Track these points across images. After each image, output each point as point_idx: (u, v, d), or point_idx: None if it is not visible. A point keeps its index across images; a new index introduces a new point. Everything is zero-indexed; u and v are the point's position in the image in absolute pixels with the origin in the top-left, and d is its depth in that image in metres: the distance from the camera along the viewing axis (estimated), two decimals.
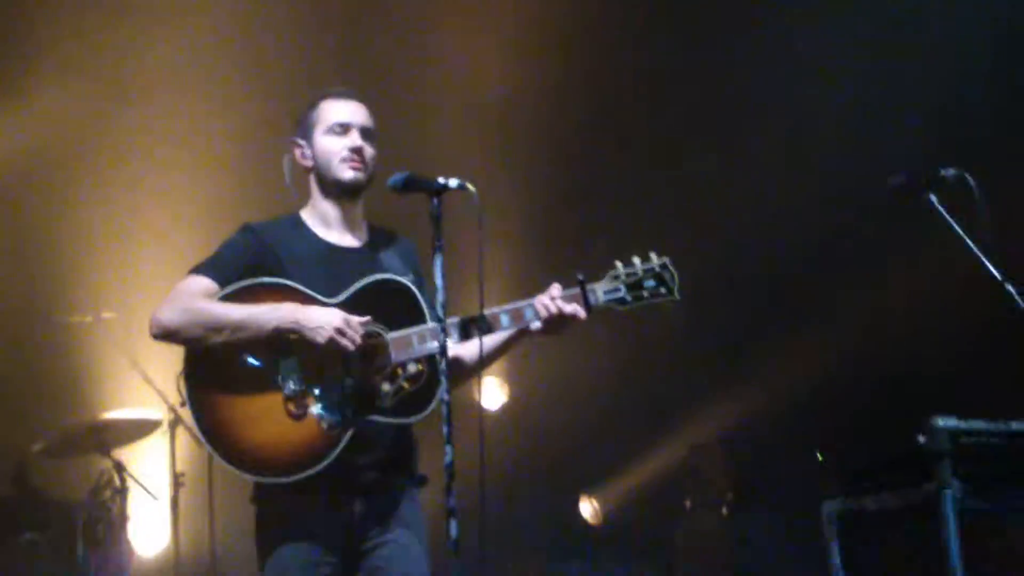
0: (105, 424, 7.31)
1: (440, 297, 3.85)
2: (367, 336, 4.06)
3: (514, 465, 8.57)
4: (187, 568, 7.48)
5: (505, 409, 9.40)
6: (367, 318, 4.06)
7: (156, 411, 7.43)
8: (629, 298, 4.20)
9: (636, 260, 4.22)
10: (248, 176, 8.52)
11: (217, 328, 4.05)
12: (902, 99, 8.04)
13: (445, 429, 3.76)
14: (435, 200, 3.93)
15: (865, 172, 7.66)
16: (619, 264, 4.22)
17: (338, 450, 4.02)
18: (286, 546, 4.10)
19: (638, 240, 8.69)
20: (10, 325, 8.27)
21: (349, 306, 4.11)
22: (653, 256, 4.24)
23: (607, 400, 9.16)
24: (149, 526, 7.88)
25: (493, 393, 9.46)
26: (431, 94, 8.87)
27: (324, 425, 4.04)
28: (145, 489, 7.42)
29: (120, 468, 7.25)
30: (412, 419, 4.11)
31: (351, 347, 4.01)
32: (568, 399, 9.12)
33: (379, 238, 4.42)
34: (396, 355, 4.07)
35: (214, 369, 4.10)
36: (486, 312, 4.13)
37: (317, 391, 4.07)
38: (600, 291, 4.20)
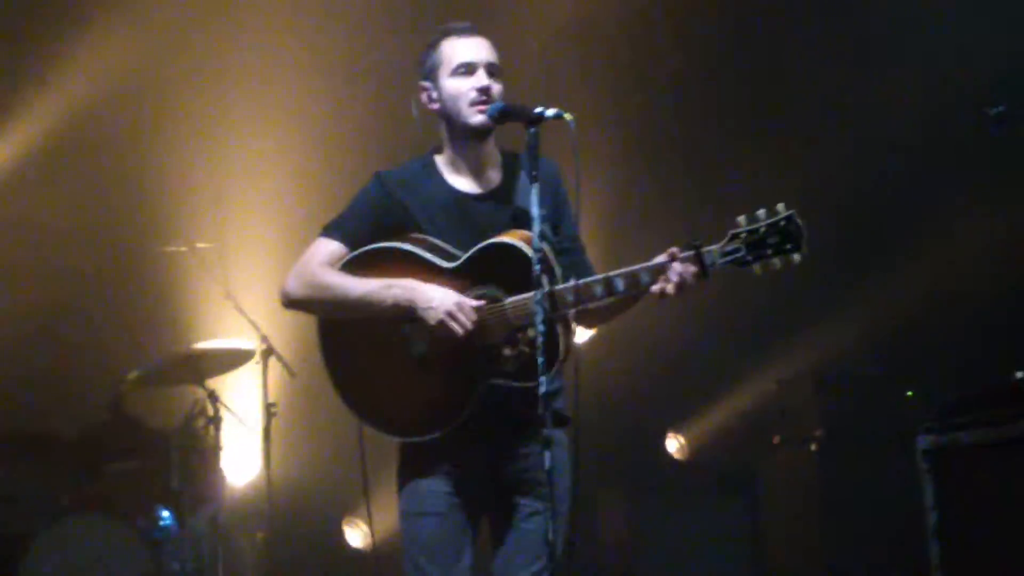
0: (199, 354, 7.39)
1: (536, 227, 3.83)
2: (483, 312, 4.02)
3: (603, 399, 8.56)
4: (279, 497, 7.57)
5: (594, 342, 9.37)
6: (482, 303, 4.03)
7: (249, 341, 7.51)
8: (751, 257, 3.87)
9: (761, 212, 3.89)
10: (343, 108, 8.59)
11: (339, 305, 4.14)
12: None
13: (540, 360, 3.76)
14: (532, 129, 3.90)
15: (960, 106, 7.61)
16: (741, 219, 3.90)
17: (468, 410, 4.06)
18: (422, 483, 4.17)
19: (732, 174, 8.79)
20: (106, 255, 8.39)
21: (468, 270, 4.10)
22: (780, 208, 3.88)
23: (695, 333, 9.11)
24: (241, 456, 7.96)
25: (581, 329, 9.45)
26: (526, 24, 8.83)
27: (452, 389, 4.07)
28: (238, 418, 7.51)
29: (213, 397, 7.34)
30: (533, 384, 3.91)
31: (460, 332, 3.99)
32: (655, 333, 9.08)
33: (515, 173, 4.28)
34: (515, 320, 4.01)
35: (345, 334, 4.20)
36: (601, 276, 4.00)
37: (443, 357, 4.08)
38: (718, 252, 3.90)
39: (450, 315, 4.00)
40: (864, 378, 8.28)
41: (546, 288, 3.89)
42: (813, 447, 8.10)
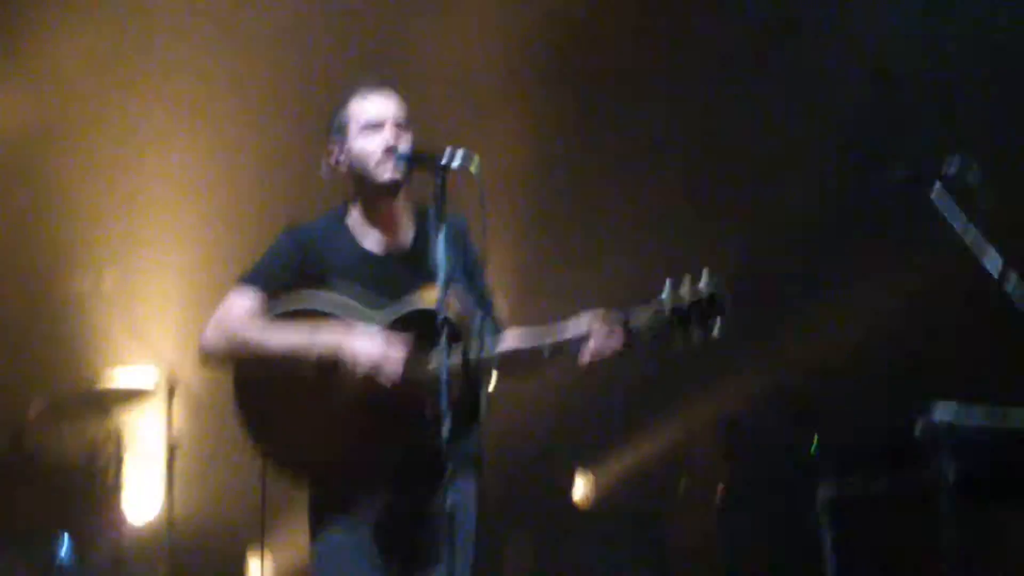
0: (102, 389, 7.32)
1: (441, 274, 3.84)
2: (410, 363, 4.03)
3: (510, 442, 8.56)
4: (180, 536, 7.48)
5: (502, 385, 9.39)
6: (406, 347, 4.03)
7: (153, 376, 7.43)
8: (675, 327, 3.93)
9: (685, 284, 3.94)
10: (251, 150, 8.55)
11: (260, 357, 4.11)
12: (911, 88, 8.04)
13: (443, 402, 3.75)
14: (439, 178, 3.91)
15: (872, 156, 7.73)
16: (665, 292, 3.95)
17: (388, 463, 4.08)
18: (335, 531, 4.15)
19: (644, 219, 8.84)
20: (10, 287, 8.27)
21: (389, 327, 4.10)
22: (704, 276, 3.94)
23: (604, 377, 9.12)
24: (143, 493, 7.86)
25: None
26: (438, 65, 8.84)
27: (377, 434, 4.07)
28: (139, 454, 7.43)
29: (116, 434, 7.26)
30: (456, 429, 3.92)
31: (387, 383, 4.00)
32: (564, 374, 9.10)
33: (426, 229, 4.27)
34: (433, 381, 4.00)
35: (263, 387, 4.16)
36: (528, 346, 4.06)
37: (364, 402, 4.06)
38: (644, 327, 3.95)
39: (377, 365, 4.00)
40: (770, 426, 8.35)
41: (472, 352, 3.94)
42: (718, 494, 8.16)
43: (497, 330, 4.33)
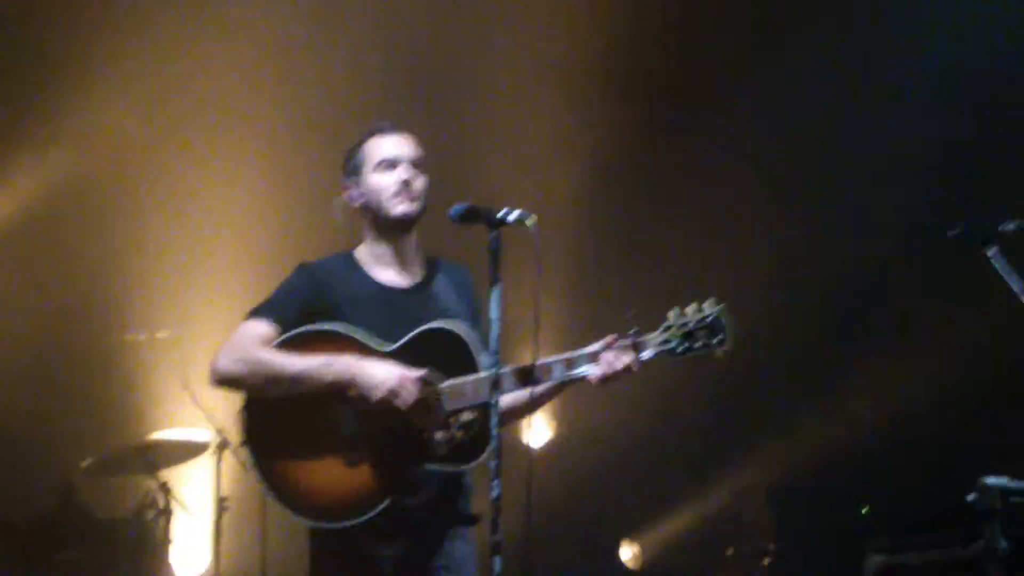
0: (153, 444, 7.37)
1: (495, 331, 3.87)
2: (423, 390, 4.07)
3: (558, 504, 8.54)
4: None
5: (550, 447, 9.38)
6: (423, 373, 4.08)
7: (204, 433, 7.48)
8: (680, 349, 4.10)
9: (690, 308, 4.11)
10: (303, 200, 8.59)
11: (275, 381, 4.13)
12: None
13: (493, 464, 3.79)
14: (494, 233, 3.95)
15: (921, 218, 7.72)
16: (671, 314, 4.13)
17: (391, 496, 4.08)
18: None
19: (688, 279, 8.85)
20: (65, 342, 8.38)
21: (403, 354, 4.14)
22: (708, 303, 4.12)
23: (653, 441, 9.15)
24: (192, 549, 7.91)
25: (539, 431, 9.47)
26: (487, 122, 8.93)
27: (378, 473, 4.09)
28: (188, 511, 7.45)
29: (165, 489, 7.30)
30: (465, 467, 4.14)
31: (404, 407, 4.04)
32: (614, 439, 9.11)
33: (434, 271, 4.44)
34: (450, 404, 4.08)
35: (273, 412, 4.18)
36: (540, 362, 4.12)
37: (373, 439, 4.10)
38: (651, 343, 4.11)
39: (392, 391, 4.03)
40: (819, 493, 8.30)
41: (497, 369, 3.92)
42: (765, 561, 8.10)
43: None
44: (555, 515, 8.42)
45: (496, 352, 3.89)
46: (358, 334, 4.18)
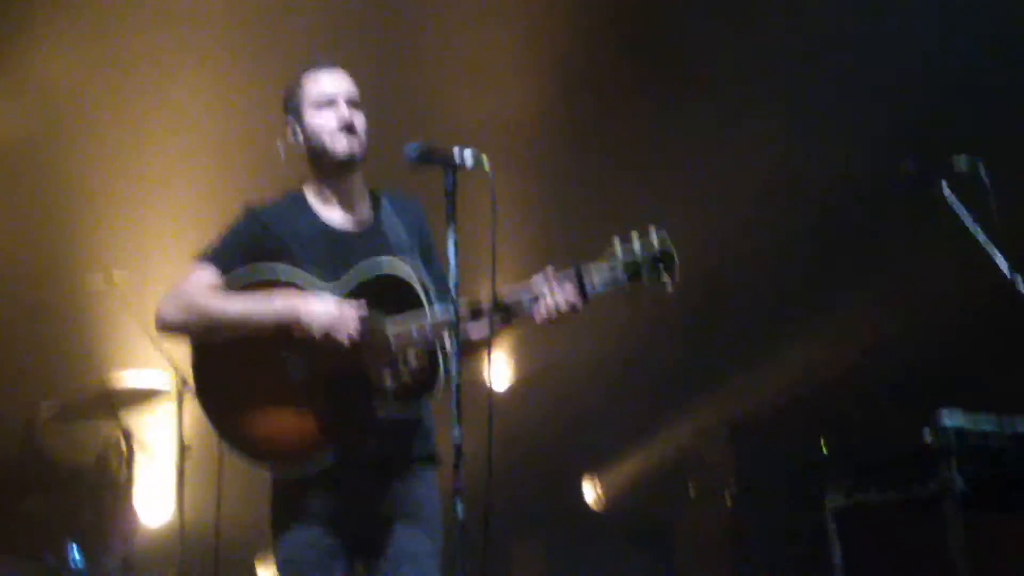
0: (114, 389, 7.35)
1: (453, 275, 3.86)
2: (366, 326, 4.08)
3: (519, 445, 8.59)
4: (192, 538, 7.51)
5: (511, 388, 9.42)
6: (362, 312, 4.08)
7: (165, 376, 7.46)
8: (626, 283, 4.02)
9: (634, 237, 4.03)
10: (256, 134, 8.53)
11: (218, 325, 4.14)
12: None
13: (454, 409, 3.79)
14: (450, 175, 3.92)
15: (878, 152, 7.72)
16: (616, 243, 4.05)
17: (344, 441, 4.09)
18: (298, 530, 4.17)
19: (649, 216, 8.84)
20: (21, 286, 8.33)
21: (350, 297, 4.14)
22: (652, 233, 4.05)
23: (614, 380, 9.19)
24: (155, 495, 7.92)
25: (500, 372, 9.50)
26: (444, 65, 8.87)
27: (329, 418, 4.10)
28: (151, 455, 7.45)
29: (127, 434, 7.27)
30: (413, 410, 4.15)
31: (346, 341, 4.05)
32: (575, 379, 9.14)
33: (382, 208, 4.41)
34: (396, 345, 4.09)
35: (222, 360, 4.19)
36: (482, 304, 4.08)
37: (322, 383, 4.11)
38: (596, 277, 4.04)
39: (334, 325, 4.04)
40: (779, 432, 8.37)
41: (454, 308, 3.91)
42: (727, 499, 8.18)
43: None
44: (517, 456, 8.47)
45: (455, 298, 3.87)
46: (301, 278, 4.19)
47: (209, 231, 8.11)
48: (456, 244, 3.88)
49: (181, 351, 7.33)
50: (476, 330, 4.23)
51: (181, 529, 7.25)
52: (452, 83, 8.74)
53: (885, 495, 5.53)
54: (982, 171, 4.80)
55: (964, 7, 7.93)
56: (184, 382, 7.34)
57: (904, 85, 8.01)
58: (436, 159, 3.97)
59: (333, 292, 4.16)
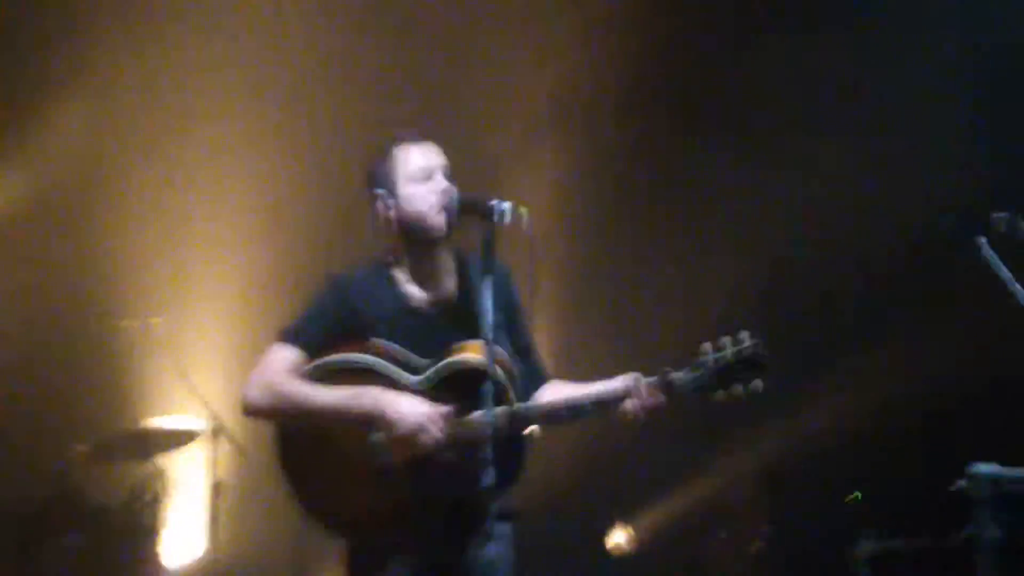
0: (147, 431, 7.44)
1: (488, 320, 3.91)
2: (454, 416, 4.10)
3: (547, 488, 8.58)
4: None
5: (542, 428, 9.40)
6: (451, 409, 4.10)
7: (199, 419, 7.53)
8: (715, 385, 4.02)
9: (726, 341, 4.04)
10: (298, 183, 8.62)
11: (303, 414, 4.17)
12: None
13: (488, 451, 3.85)
14: (488, 228, 3.97)
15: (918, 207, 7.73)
16: (706, 347, 4.04)
17: (425, 517, 4.14)
18: None
19: (689, 267, 8.84)
20: (60, 328, 8.42)
21: (432, 387, 4.17)
22: (745, 337, 4.05)
23: (645, 423, 9.15)
24: (187, 536, 7.96)
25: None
26: (482, 110, 8.96)
27: (415, 496, 4.13)
28: (185, 497, 7.51)
29: (160, 475, 7.39)
30: (502, 492, 4.08)
31: (431, 444, 4.06)
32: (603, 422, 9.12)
33: (468, 277, 4.37)
34: (480, 434, 4.03)
35: (305, 436, 4.24)
36: (563, 401, 4.15)
37: (403, 463, 4.13)
38: (684, 381, 4.05)
39: (421, 426, 4.06)
40: (812, 479, 8.35)
41: (506, 406, 4.02)
42: (757, 546, 8.16)
43: (540, 380, 4.44)
44: (543, 503, 8.48)
45: (491, 350, 3.91)
46: (388, 362, 4.21)
47: (248, 280, 8.30)
48: (493, 300, 3.93)
49: (216, 394, 7.50)
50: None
51: (214, 570, 7.30)
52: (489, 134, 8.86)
53: (917, 542, 5.53)
54: (1022, 230, 4.80)
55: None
56: (218, 425, 7.40)
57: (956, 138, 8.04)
58: (475, 208, 4.05)
59: (419, 385, 4.18)
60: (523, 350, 4.42)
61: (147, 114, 8.57)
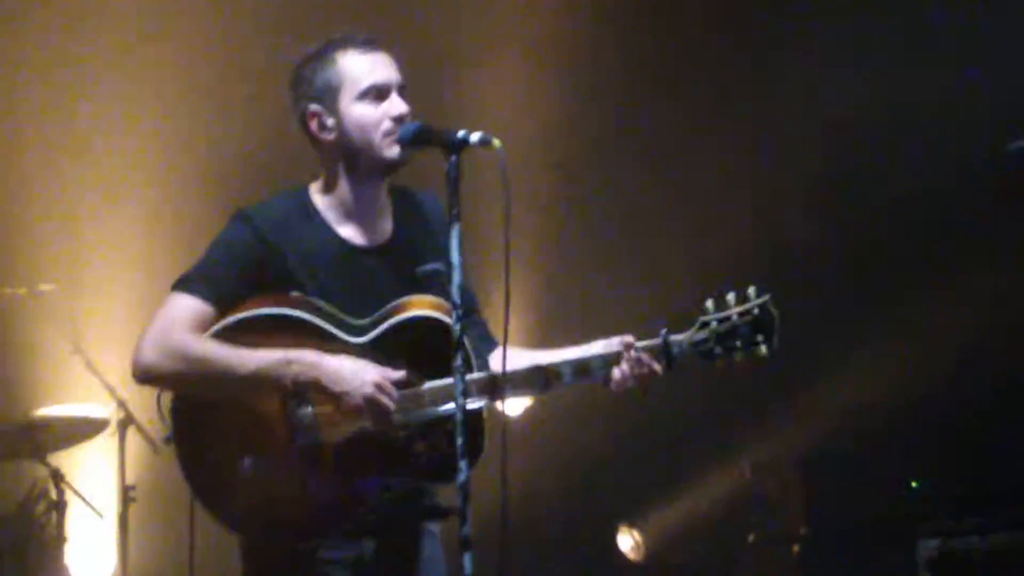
0: (40, 422, 7.38)
1: (456, 277, 3.82)
2: (405, 394, 4.03)
3: (541, 485, 8.59)
4: None
5: (531, 414, 9.38)
6: (402, 374, 4.03)
7: (103, 408, 7.48)
8: (719, 350, 4.05)
9: (731, 297, 4.07)
10: (202, 132, 8.62)
11: (219, 381, 4.05)
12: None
13: (459, 441, 3.74)
14: (453, 158, 3.87)
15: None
16: (709, 304, 4.07)
17: (360, 511, 4.08)
18: None
19: (692, 218, 8.87)
20: None
21: (377, 348, 4.09)
22: (751, 293, 4.08)
23: (655, 407, 9.15)
24: (91, 548, 7.92)
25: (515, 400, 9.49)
26: (453, 37, 8.99)
27: (340, 487, 4.07)
28: (87, 503, 7.47)
29: (57, 477, 7.31)
30: (448, 482, 3.99)
31: (382, 418, 3.99)
32: (607, 405, 9.10)
33: (405, 213, 4.33)
34: (433, 408, 4.03)
35: (208, 410, 4.14)
36: (545, 364, 4.10)
37: (336, 449, 4.07)
38: (686, 343, 4.07)
39: (370, 398, 3.97)
40: (858, 465, 8.35)
41: (476, 373, 3.96)
42: (796, 548, 8.17)
43: (488, 345, 4.36)
44: (537, 498, 8.46)
45: (458, 304, 3.82)
46: (320, 318, 4.11)
47: (153, 236, 8.31)
48: (461, 242, 3.85)
49: (121, 374, 7.42)
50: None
51: None
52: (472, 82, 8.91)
53: (991, 540, 5.50)
54: None
55: None
56: (127, 414, 7.35)
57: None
58: (437, 137, 3.96)
59: (360, 345, 4.10)
60: (473, 310, 4.36)
61: (34, 63, 8.56)
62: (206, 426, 4.14)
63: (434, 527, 4.28)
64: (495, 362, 4.16)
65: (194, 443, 4.15)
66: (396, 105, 4.19)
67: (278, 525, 4.12)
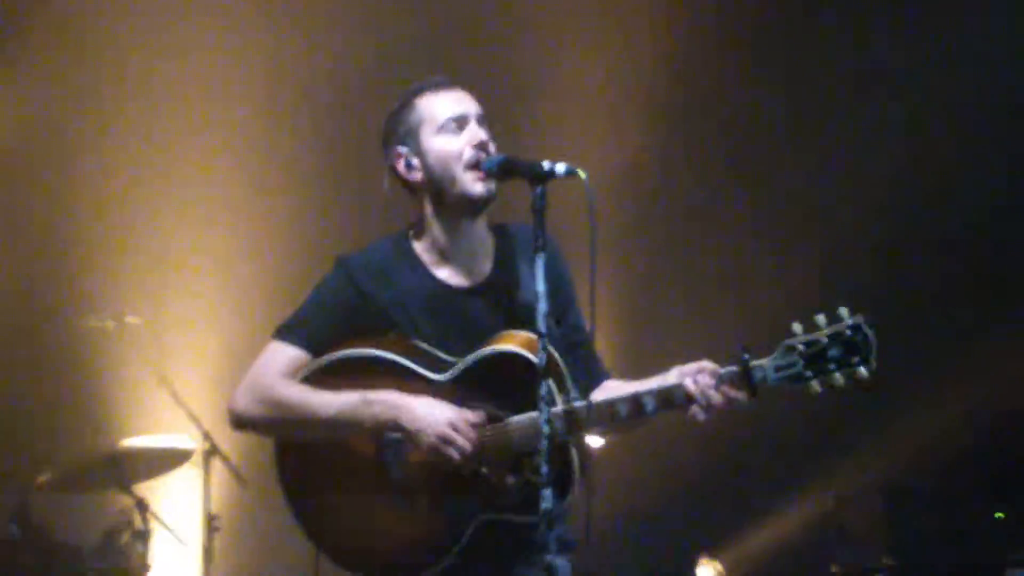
0: (125, 453, 7.39)
1: (541, 307, 3.76)
2: (486, 422, 4.02)
3: (620, 516, 8.55)
4: None
5: (611, 447, 9.36)
6: (481, 415, 4.01)
7: (187, 438, 7.50)
8: (810, 373, 3.84)
9: (820, 320, 3.86)
10: (293, 172, 8.67)
11: (304, 426, 4.11)
12: None
13: (544, 470, 3.70)
14: (539, 189, 3.84)
15: None
16: (796, 327, 3.88)
17: (458, 549, 4.05)
18: None
19: (777, 244, 8.84)
20: (17, 331, 8.41)
21: (460, 383, 4.08)
22: (844, 312, 3.88)
23: (736, 436, 9.11)
24: None
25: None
26: (535, 73, 9.02)
27: (439, 523, 4.06)
28: (172, 533, 7.50)
29: (143, 507, 7.33)
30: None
31: (457, 457, 3.97)
32: (688, 434, 9.07)
33: (507, 253, 4.29)
34: (519, 444, 3.99)
35: (308, 452, 4.18)
36: (629, 394, 4.00)
37: (429, 484, 4.07)
38: (770, 368, 3.88)
39: (444, 438, 3.97)
40: (945, 494, 8.27)
41: (559, 406, 3.91)
42: None
43: (598, 379, 4.32)
44: (618, 528, 8.43)
45: (543, 333, 3.75)
46: (407, 357, 4.13)
47: (238, 272, 8.35)
48: (546, 272, 3.80)
49: (206, 406, 7.48)
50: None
51: None
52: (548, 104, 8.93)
53: None
54: None
55: None
56: (211, 445, 7.39)
57: None
58: (523, 169, 3.94)
59: (442, 383, 4.09)
60: (577, 343, 4.30)
61: (121, 88, 8.63)
62: (309, 469, 4.18)
63: (561, 560, 4.10)
64: (599, 395, 4.11)
65: (299, 488, 4.20)
66: (476, 134, 4.18)
67: (376, 560, 4.15)
